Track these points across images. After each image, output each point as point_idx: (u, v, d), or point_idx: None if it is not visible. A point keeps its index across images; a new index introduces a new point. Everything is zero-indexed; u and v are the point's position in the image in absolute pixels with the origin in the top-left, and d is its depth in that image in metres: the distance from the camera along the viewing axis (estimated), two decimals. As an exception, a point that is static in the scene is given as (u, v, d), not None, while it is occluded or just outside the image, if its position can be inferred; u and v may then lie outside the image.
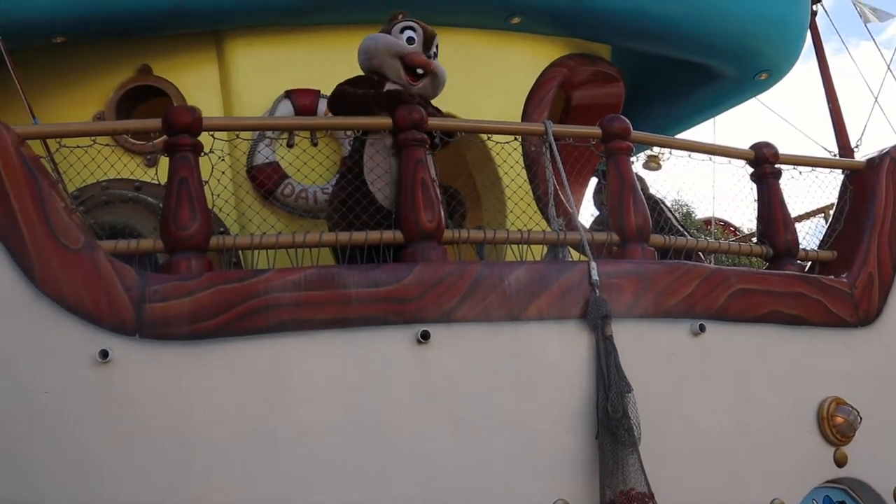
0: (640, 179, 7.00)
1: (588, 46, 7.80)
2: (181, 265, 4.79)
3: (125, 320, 4.53)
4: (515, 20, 7.29)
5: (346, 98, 5.69)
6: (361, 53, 5.89)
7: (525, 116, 7.17)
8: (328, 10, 6.60)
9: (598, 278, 5.05)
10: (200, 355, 4.55)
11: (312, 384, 4.65)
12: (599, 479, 4.72)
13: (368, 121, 5.52)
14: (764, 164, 6.16)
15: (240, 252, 5.67)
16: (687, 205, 12.92)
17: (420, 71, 5.79)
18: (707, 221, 11.02)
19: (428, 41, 5.93)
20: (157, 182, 5.57)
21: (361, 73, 5.90)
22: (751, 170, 6.23)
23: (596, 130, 5.68)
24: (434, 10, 6.89)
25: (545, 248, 5.91)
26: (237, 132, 5.65)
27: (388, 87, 5.75)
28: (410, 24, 5.94)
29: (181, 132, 5.00)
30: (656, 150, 8.01)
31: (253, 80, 6.70)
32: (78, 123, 6.05)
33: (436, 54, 5.97)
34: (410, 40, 5.86)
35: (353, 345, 4.70)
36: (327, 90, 6.46)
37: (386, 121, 5.36)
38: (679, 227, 7.16)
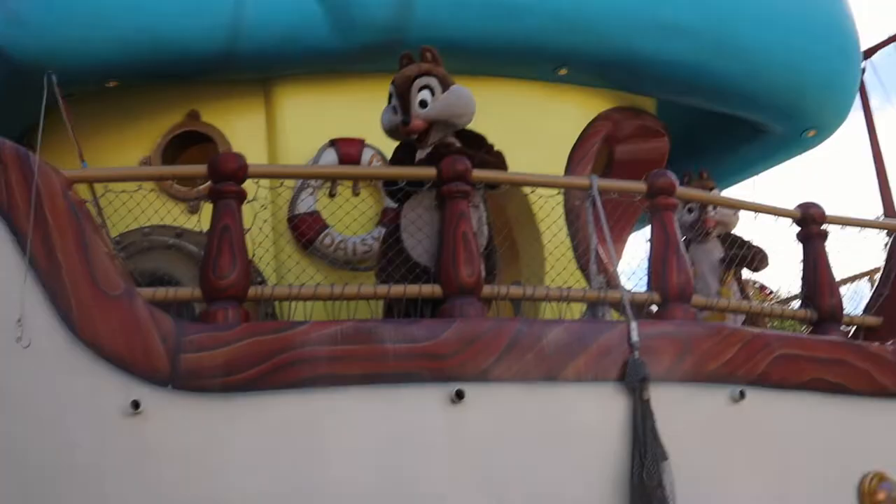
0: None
1: (633, 100, 7.78)
2: (218, 315, 4.79)
3: (159, 370, 4.53)
4: (562, 72, 7.28)
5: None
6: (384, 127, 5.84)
7: (568, 170, 7.15)
8: (374, 59, 6.64)
9: (637, 339, 4.98)
10: (233, 408, 4.54)
11: (344, 441, 4.61)
12: (632, 547, 4.62)
13: (413, 171, 5.50)
14: (811, 224, 6.06)
15: (275, 303, 5.67)
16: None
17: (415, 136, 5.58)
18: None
19: (403, 98, 5.56)
20: (198, 230, 5.60)
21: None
22: (797, 229, 6.13)
23: (641, 185, 5.62)
24: (481, 61, 6.94)
25: (584, 307, 5.85)
26: (281, 180, 5.68)
27: (420, 153, 5.64)
28: (390, 87, 5.70)
29: (227, 179, 5.01)
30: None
31: (299, 127, 6.76)
32: (125, 168, 6.15)
33: (431, 92, 5.55)
34: (395, 109, 5.64)
35: (386, 402, 4.66)
36: (372, 140, 6.52)
37: (430, 171, 5.33)
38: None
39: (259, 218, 5.21)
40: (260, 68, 6.73)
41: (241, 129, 6.81)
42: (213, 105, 6.90)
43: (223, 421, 4.52)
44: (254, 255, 5.30)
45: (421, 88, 5.58)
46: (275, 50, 6.48)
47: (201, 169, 5.16)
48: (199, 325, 4.77)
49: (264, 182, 5.38)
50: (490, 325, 4.90)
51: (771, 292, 11.33)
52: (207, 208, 5.15)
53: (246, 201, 5.09)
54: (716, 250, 7.01)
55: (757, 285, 11.14)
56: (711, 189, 7.25)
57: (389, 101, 5.74)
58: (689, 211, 7.13)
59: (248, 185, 5.14)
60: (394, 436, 4.63)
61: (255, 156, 6.27)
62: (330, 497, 4.52)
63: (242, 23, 6.33)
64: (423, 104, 5.56)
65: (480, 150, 5.63)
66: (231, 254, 4.88)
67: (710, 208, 7.05)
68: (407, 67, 5.67)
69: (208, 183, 5.12)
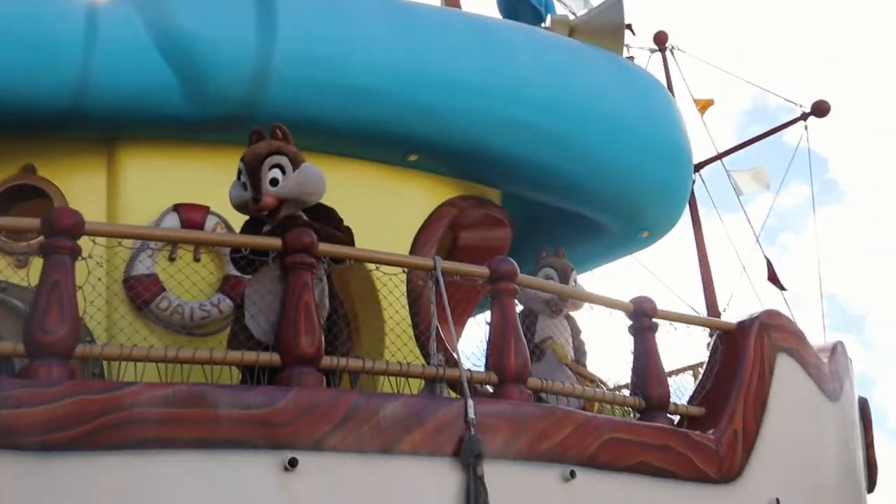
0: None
1: (479, 189, 8.00)
2: (41, 371, 4.56)
3: (-27, 425, 4.25)
4: (412, 158, 7.44)
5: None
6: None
7: (413, 251, 7.23)
8: (224, 129, 6.61)
9: (474, 417, 5.02)
10: (52, 469, 4.29)
11: (171, 506, 4.42)
12: None
13: (257, 240, 5.47)
14: (642, 317, 6.32)
15: (104, 364, 5.44)
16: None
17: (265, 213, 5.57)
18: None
19: (254, 174, 5.52)
20: (25, 284, 5.34)
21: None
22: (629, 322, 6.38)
23: (483, 270, 5.76)
24: (332, 141, 7.01)
25: (422, 384, 5.87)
26: (119, 240, 5.50)
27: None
28: (239, 164, 5.66)
29: (61, 234, 4.84)
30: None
31: (141, 190, 6.61)
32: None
33: (282, 170, 5.53)
34: (245, 185, 5.61)
35: (217, 467, 4.52)
36: (217, 206, 6.43)
37: (275, 242, 5.31)
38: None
39: (93, 276, 5.02)
40: (104, 128, 6.57)
41: (81, 186, 6.59)
42: (52, 160, 6.64)
43: (41, 482, 4.26)
44: (84, 314, 5.08)
45: (272, 167, 5.57)
46: (121, 111, 6.34)
47: (34, 222, 4.96)
48: (19, 380, 4.52)
49: (101, 240, 5.20)
50: (327, 396, 4.87)
51: (600, 381, 11.65)
52: (37, 263, 4.94)
53: (80, 258, 4.92)
54: (566, 325, 7.14)
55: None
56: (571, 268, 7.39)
57: (239, 177, 5.70)
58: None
59: (84, 243, 4.97)
60: (224, 502, 4.46)
61: (94, 215, 6.08)
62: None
63: (89, 81, 6.18)
64: (274, 182, 5.55)
65: (330, 224, 5.66)
66: (60, 310, 4.69)
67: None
68: (257, 144, 5.66)
69: (40, 238, 4.92)
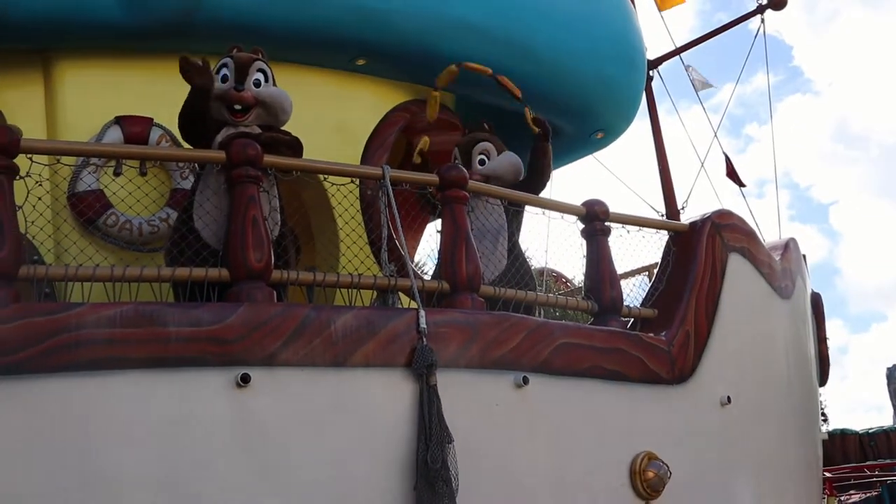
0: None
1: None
2: (-17, 294, 4.47)
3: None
4: (360, 62, 7.28)
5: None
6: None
7: (365, 159, 7.13)
8: (164, 38, 6.40)
9: (426, 326, 5.03)
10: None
11: (123, 427, 4.41)
12: (416, 529, 4.66)
13: (201, 153, 5.37)
14: (594, 221, 6.32)
15: (55, 284, 5.36)
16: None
17: (238, 107, 5.57)
18: (540, 272, 11.24)
19: (241, 70, 5.61)
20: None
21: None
22: (582, 226, 6.37)
23: (433, 178, 5.70)
24: (277, 46, 6.81)
25: (375, 294, 5.85)
26: (58, 157, 5.36)
27: (225, 131, 5.57)
28: (223, 60, 5.71)
29: (-5, 153, 4.70)
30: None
31: (81, 103, 6.41)
32: None
33: (265, 79, 5.69)
34: (224, 78, 5.61)
35: (168, 386, 4.51)
36: (161, 118, 6.28)
37: (219, 155, 5.21)
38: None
39: (34, 195, 4.90)
40: (36, 39, 6.31)
41: (17, 102, 6.39)
42: (-15, 76, 6.43)
43: (-13, 406, 4.22)
44: (27, 233, 4.98)
45: (258, 70, 5.66)
46: (53, 20, 6.07)
47: (-33, 142, 4.79)
48: (-40, 305, 4.44)
49: (41, 158, 5.06)
50: (277, 310, 4.83)
51: (567, 281, 11.75)
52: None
53: (17, 177, 4.79)
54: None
55: (554, 273, 11.52)
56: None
57: (217, 72, 5.64)
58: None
59: (22, 161, 4.83)
60: (175, 421, 4.47)
61: (33, 131, 5.94)
62: (107, 485, 4.31)
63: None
64: (257, 84, 5.62)
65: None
66: (0, 231, 4.58)
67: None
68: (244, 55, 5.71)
69: (-25, 157, 4.77)
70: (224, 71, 5.64)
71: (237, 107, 5.56)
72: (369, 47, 7.15)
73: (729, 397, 6.28)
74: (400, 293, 5.67)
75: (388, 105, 7.57)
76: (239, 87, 5.55)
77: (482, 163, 6.68)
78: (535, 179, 6.81)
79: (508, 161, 6.79)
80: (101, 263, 5.24)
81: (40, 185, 5.00)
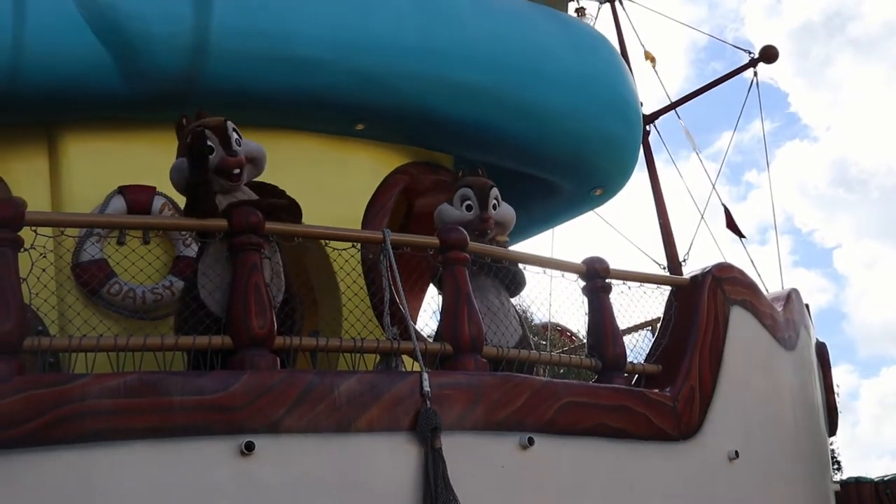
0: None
1: (430, 155, 7.95)
2: (-11, 367, 4.49)
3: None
4: (359, 126, 7.36)
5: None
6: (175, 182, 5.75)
7: (365, 223, 7.19)
8: (164, 107, 6.49)
9: (429, 389, 5.03)
10: (4, 466, 4.24)
11: (127, 499, 4.40)
12: None
13: (203, 222, 5.40)
14: (595, 278, 6.34)
15: (59, 354, 5.38)
16: (525, 310, 13.12)
17: (237, 171, 5.62)
18: (544, 327, 11.24)
19: (222, 135, 5.61)
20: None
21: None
22: (583, 283, 6.39)
23: (434, 240, 5.74)
24: (276, 114, 6.91)
25: (378, 358, 5.86)
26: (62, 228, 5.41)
27: (220, 199, 5.58)
28: (196, 130, 5.64)
29: (1, 226, 4.74)
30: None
31: (85, 173, 6.48)
32: None
33: (237, 140, 5.67)
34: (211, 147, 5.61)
35: (172, 456, 4.50)
36: (163, 186, 6.33)
37: (221, 223, 5.26)
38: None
39: (38, 266, 4.94)
40: (41, 112, 6.42)
41: (22, 173, 6.46)
42: (-10, 148, 6.51)
43: (-7, 481, 4.21)
44: (31, 304, 5.01)
45: (232, 129, 5.71)
46: (57, 93, 6.20)
47: (-28, 216, 4.85)
48: (-34, 379, 4.45)
49: (45, 230, 5.12)
50: (281, 377, 4.84)
51: (572, 335, 11.72)
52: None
53: (22, 250, 4.83)
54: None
55: (559, 328, 11.51)
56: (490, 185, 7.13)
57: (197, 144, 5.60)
58: (468, 209, 6.79)
59: (27, 233, 4.89)
60: (180, 491, 4.45)
61: (38, 201, 6.00)
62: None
63: (22, 64, 6.02)
64: (237, 143, 5.69)
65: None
66: (4, 304, 4.62)
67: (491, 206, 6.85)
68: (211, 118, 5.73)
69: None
70: (209, 142, 5.59)
71: (236, 171, 5.61)
72: (368, 112, 7.23)
73: (737, 451, 6.24)
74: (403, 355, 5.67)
75: (388, 168, 7.64)
76: (231, 153, 5.59)
77: (494, 207, 6.78)
78: None
79: (511, 212, 6.91)
80: (105, 332, 5.25)
81: (44, 256, 5.04)
